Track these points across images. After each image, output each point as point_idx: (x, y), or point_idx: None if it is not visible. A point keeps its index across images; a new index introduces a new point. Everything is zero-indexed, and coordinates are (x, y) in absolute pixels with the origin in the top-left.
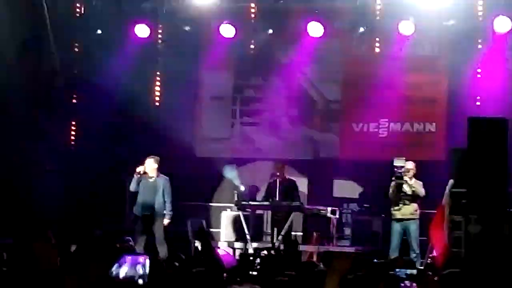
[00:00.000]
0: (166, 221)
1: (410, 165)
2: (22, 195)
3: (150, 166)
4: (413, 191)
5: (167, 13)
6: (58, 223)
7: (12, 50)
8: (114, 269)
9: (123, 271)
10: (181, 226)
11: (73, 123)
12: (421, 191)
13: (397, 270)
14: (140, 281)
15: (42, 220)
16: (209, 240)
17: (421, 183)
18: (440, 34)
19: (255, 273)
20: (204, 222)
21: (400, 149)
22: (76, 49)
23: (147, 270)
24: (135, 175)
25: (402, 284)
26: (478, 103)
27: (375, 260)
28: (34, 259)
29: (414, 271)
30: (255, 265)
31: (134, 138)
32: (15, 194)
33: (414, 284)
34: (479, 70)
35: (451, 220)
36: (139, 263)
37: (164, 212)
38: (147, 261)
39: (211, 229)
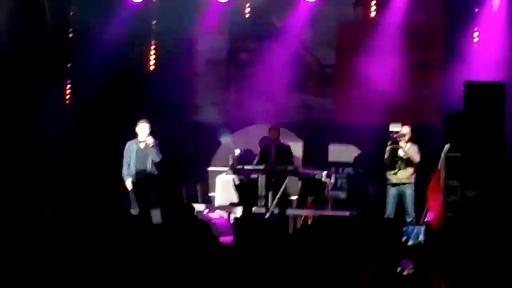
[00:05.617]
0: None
1: (406, 129)
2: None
3: (146, 131)
4: (408, 157)
5: None
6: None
7: (5, 17)
8: None
9: None
10: (176, 191)
11: (68, 87)
12: (416, 156)
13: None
14: None
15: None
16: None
17: (416, 147)
18: None
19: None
20: (199, 187)
21: (396, 114)
22: (71, 13)
23: None
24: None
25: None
26: (474, 68)
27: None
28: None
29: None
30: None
31: (128, 103)
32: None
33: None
34: (476, 34)
35: (446, 185)
36: None
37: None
38: None
39: (208, 194)
